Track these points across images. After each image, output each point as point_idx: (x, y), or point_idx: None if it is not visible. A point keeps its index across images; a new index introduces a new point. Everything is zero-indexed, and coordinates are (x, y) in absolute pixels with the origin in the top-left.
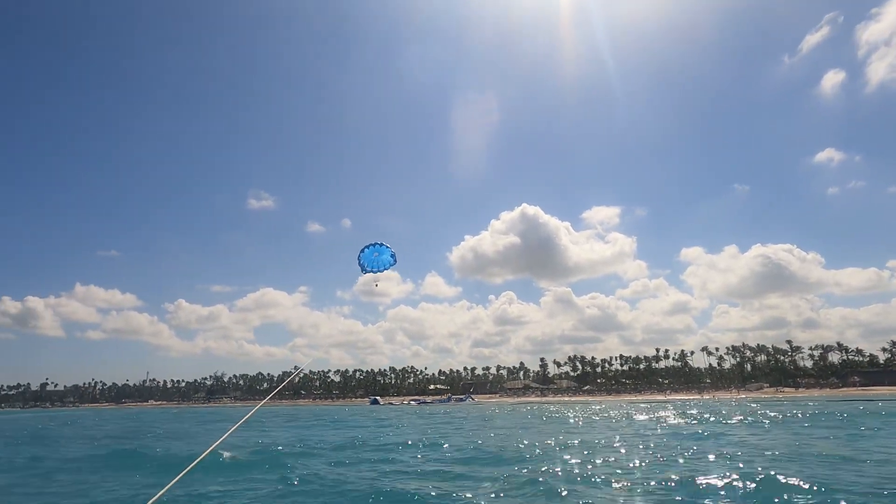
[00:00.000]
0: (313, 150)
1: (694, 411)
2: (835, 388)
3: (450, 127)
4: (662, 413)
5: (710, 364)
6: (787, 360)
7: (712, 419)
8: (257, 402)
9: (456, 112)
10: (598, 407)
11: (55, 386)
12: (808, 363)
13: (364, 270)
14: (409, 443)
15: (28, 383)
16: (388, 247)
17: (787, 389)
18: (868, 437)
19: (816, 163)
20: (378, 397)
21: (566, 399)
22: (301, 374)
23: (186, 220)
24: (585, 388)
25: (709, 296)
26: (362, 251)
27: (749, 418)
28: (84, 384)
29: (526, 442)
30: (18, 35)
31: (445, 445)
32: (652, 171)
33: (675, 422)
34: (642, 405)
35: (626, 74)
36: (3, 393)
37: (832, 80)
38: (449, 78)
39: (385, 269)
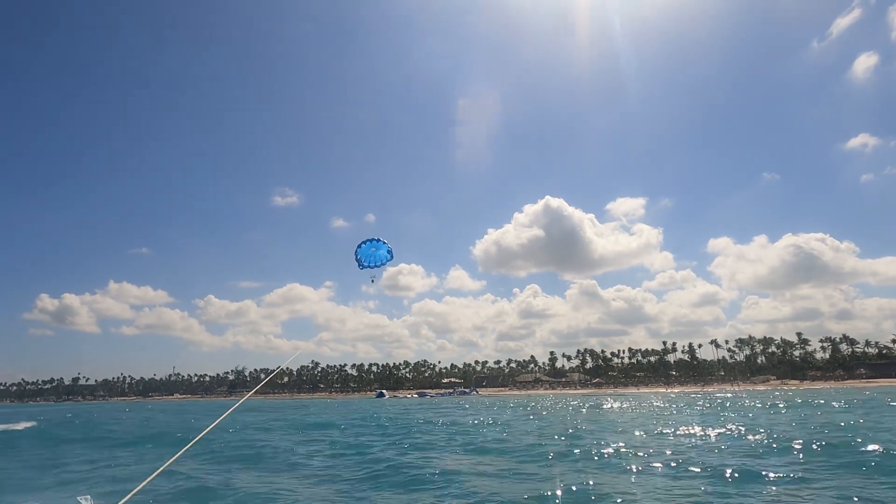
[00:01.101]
0: (335, 146)
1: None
2: (840, 380)
3: (470, 121)
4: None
5: (719, 357)
6: (796, 352)
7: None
8: (277, 394)
9: (476, 106)
10: (617, 404)
11: (86, 380)
12: (825, 355)
13: (361, 266)
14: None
15: (61, 378)
16: (384, 242)
17: (792, 382)
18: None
19: (849, 149)
20: (384, 391)
21: (577, 392)
22: (286, 368)
23: (214, 218)
24: (595, 381)
25: (738, 287)
26: (359, 246)
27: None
28: (113, 378)
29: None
30: (49, 39)
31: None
32: (677, 161)
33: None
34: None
35: (648, 62)
36: (38, 387)
37: (864, 63)
38: (468, 72)
39: (382, 264)
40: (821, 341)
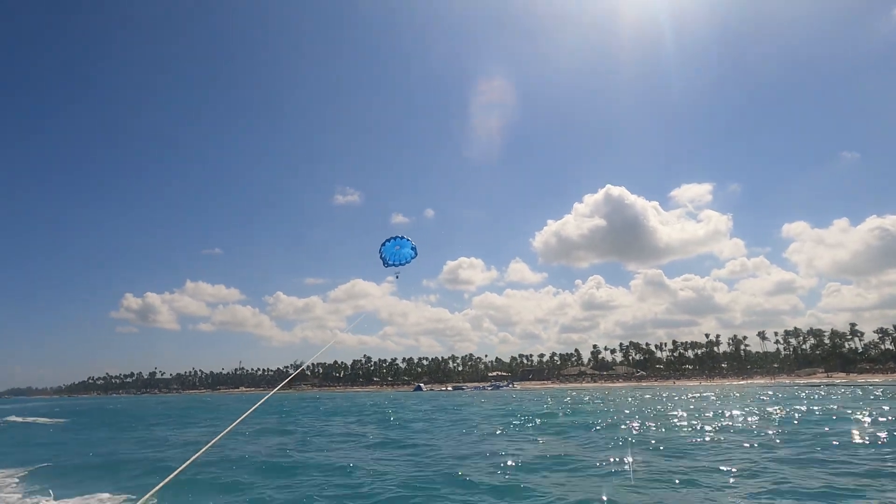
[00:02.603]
0: (393, 144)
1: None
2: (891, 373)
3: (527, 112)
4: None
5: (766, 350)
6: (847, 344)
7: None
8: (334, 387)
9: (532, 98)
10: (663, 395)
11: (162, 374)
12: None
13: (386, 264)
14: None
15: (140, 372)
16: (409, 240)
17: (838, 375)
18: None
19: None
20: (422, 385)
21: (622, 385)
22: (314, 361)
23: (280, 218)
24: (638, 373)
25: (817, 273)
26: (384, 244)
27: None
28: (186, 373)
29: None
30: (123, 45)
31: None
32: (745, 143)
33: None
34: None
35: (710, 37)
36: (122, 381)
37: None
38: (521, 64)
39: (407, 262)
40: (875, 332)
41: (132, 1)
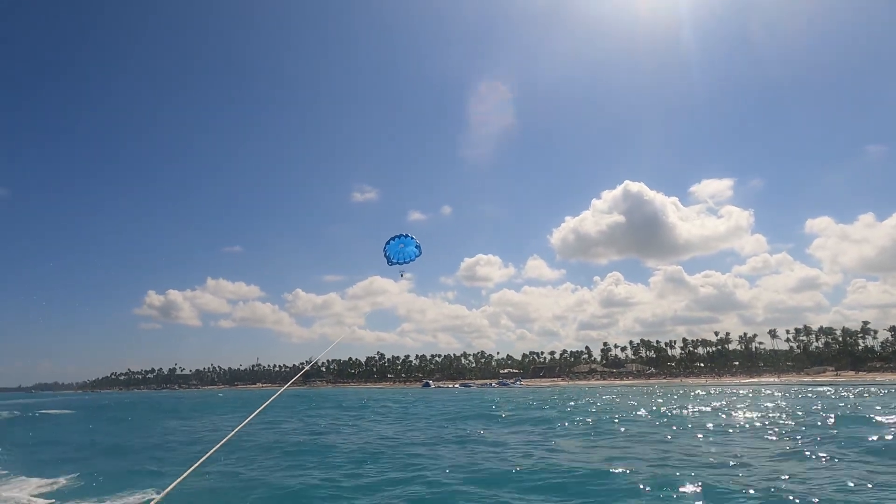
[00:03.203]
0: (411, 141)
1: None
2: None
3: (545, 108)
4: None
5: (776, 348)
6: (860, 342)
7: None
8: (347, 383)
9: (550, 93)
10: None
11: (182, 370)
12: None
13: (390, 262)
14: None
15: (160, 368)
16: (413, 238)
17: (847, 373)
18: None
19: None
20: (430, 381)
21: (631, 382)
22: (320, 360)
23: (299, 215)
24: (648, 371)
25: (841, 270)
26: (388, 243)
27: None
28: (205, 369)
29: None
30: (148, 49)
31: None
32: (768, 137)
33: None
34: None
35: (735, 31)
36: (143, 376)
37: None
38: (543, 61)
39: (411, 260)
40: (888, 330)
41: (156, 5)
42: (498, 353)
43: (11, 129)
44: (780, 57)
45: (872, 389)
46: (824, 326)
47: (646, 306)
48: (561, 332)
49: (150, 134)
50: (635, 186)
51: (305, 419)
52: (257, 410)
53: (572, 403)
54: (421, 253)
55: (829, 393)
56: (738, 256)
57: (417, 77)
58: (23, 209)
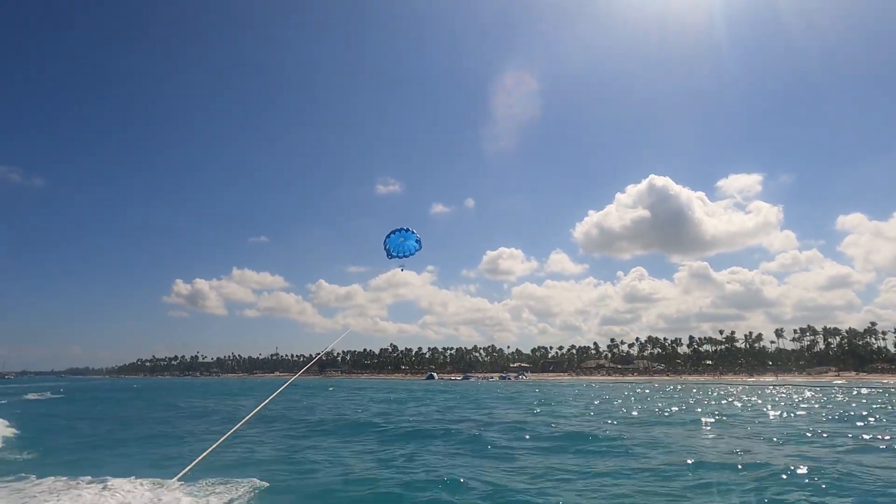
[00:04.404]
0: (435, 134)
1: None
2: None
3: (570, 101)
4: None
5: (782, 348)
6: (863, 342)
7: None
8: (361, 374)
9: (575, 86)
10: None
11: (204, 358)
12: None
13: (390, 255)
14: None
15: (183, 356)
16: (413, 232)
17: (847, 374)
18: None
19: None
20: (434, 374)
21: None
22: (329, 351)
23: (323, 207)
24: (654, 367)
25: (875, 268)
26: (388, 236)
27: None
28: (225, 357)
29: None
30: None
31: None
32: (798, 132)
33: None
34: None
35: (765, 22)
36: (165, 363)
37: None
38: (568, 53)
39: (410, 254)
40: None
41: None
42: (508, 347)
43: (50, 122)
44: (816, 45)
45: (864, 391)
46: (828, 326)
47: (670, 302)
48: (583, 326)
49: (183, 128)
50: (661, 181)
51: None
52: (270, 397)
53: (538, 410)
54: (421, 248)
55: (808, 395)
56: (767, 253)
57: (442, 70)
58: (59, 199)
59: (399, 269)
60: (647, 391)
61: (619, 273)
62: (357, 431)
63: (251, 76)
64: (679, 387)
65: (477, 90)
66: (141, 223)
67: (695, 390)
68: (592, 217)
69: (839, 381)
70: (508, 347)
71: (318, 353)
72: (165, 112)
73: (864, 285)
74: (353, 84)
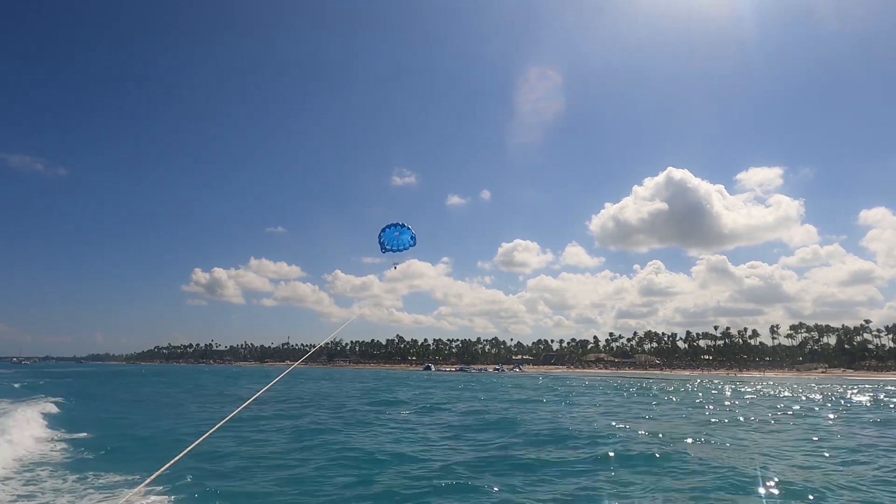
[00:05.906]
0: (451, 125)
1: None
2: (891, 371)
3: (587, 92)
4: None
5: (776, 344)
6: (857, 339)
7: None
8: (368, 364)
9: (593, 77)
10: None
11: (217, 346)
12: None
13: (384, 249)
14: None
15: (198, 343)
16: (409, 227)
17: (835, 371)
18: None
19: None
20: (431, 365)
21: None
22: (333, 339)
23: (339, 198)
24: (652, 361)
25: None
26: (383, 230)
27: None
28: (238, 345)
29: None
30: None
31: None
32: (820, 124)
33: None
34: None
35: (788, 14)
36: (181, 350)
37: None
38: (585, 45)
39: (405, 248)
40: (887, 329)
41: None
42: (512, 339)
43: (72, 114)
44: (847, 35)
45: (838, 389)
46: (819, 324)
47: (687, 296)
48: (599, 319)
49: (202, 121)
50: (679, 173)
51: None
52: (271, 383)
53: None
54: (415, 244)
55: (784, 394)
56: (787, 247)
57: (459, 61)
58: (81, 188)
59: (393, 268)
60: (601, 386)
61: (636, 266)
62: None
63: (271, 68)
64: (647, 382)
65: (494, 82)
66: (161, 213)
67: (652, 384)
68: (609, 209)
69: (811, 378)
70: (511, 340)
71: (319, 343)
72: (185, 105)
73: (887, 281)
74: (370, 75)
